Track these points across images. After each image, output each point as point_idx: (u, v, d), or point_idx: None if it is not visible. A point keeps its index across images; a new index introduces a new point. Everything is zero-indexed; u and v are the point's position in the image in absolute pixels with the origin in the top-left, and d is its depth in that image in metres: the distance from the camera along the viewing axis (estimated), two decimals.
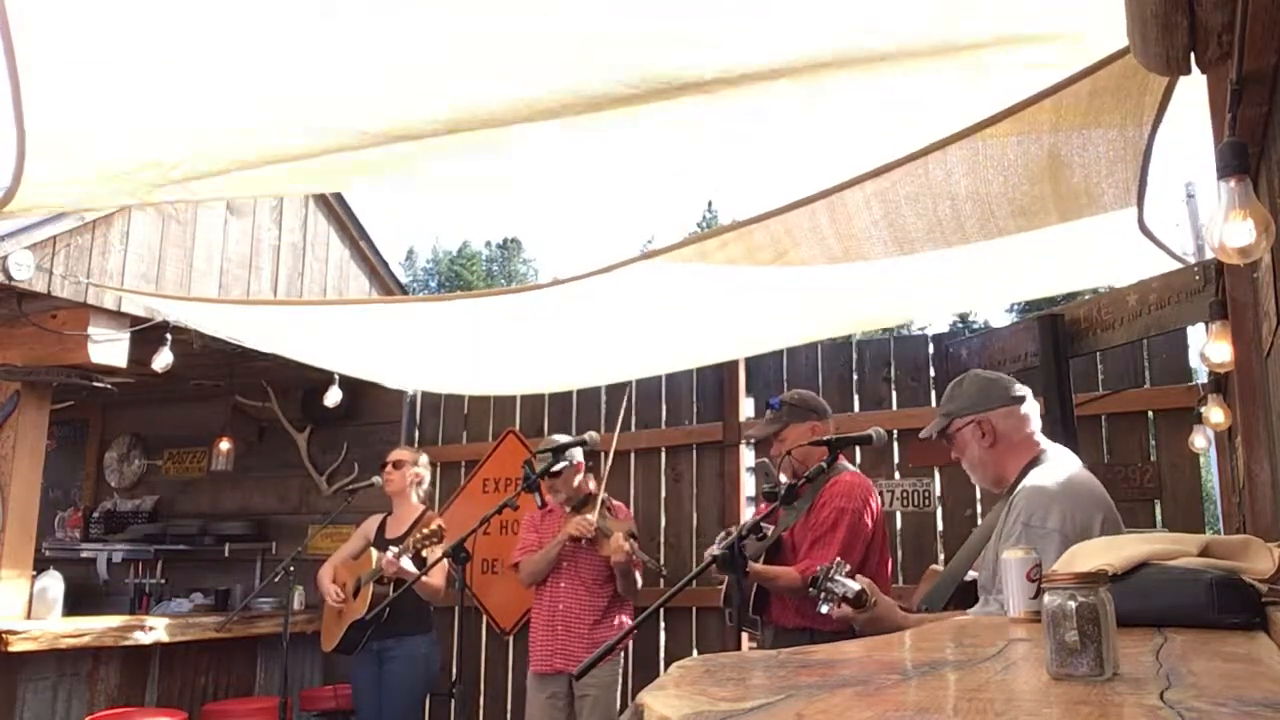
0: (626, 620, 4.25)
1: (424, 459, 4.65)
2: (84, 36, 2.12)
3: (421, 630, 4.32)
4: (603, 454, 4.52)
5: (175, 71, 2.27)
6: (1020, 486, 2.24)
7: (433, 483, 4.86)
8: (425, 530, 4.12)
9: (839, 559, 2.37)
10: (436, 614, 5.58)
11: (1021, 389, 2.41)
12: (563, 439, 4.01)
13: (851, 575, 2.30)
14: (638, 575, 4.18)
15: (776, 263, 3.27)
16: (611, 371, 5.13)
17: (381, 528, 4.52)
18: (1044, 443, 2.38)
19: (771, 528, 3.33)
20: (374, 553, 4.25)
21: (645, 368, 5.03)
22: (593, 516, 4.08)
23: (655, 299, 3.79)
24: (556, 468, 4.03)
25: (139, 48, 2.19)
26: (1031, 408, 2.40)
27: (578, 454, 4.19)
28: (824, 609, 2.28)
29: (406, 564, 4.12)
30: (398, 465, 4.48)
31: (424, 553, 4.14)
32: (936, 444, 2.54)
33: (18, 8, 1.98)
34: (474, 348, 4.63)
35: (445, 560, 3.93)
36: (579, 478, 4.25)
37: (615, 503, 4.37)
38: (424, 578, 3.94)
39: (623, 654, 4.42)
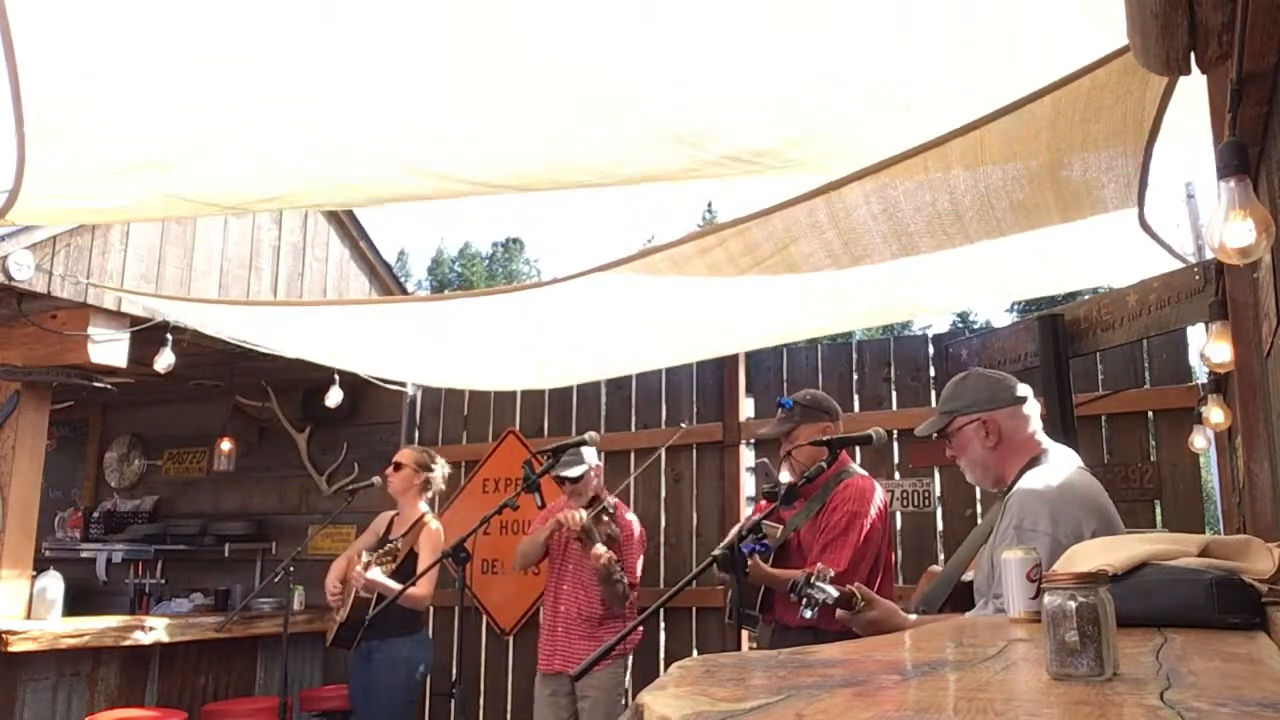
0: (628, 623, 4.24)
1: (437, 462, 4.53)
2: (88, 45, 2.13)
3: (406, 632, 4.27)
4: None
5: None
6: (1015, 488, 2.22)
7: None
8: (384, 548, 4.14)
9: (821, 566, 2.38)
10: (437, 614, 5.61)
11: (1024, 389, 2.40)
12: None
13: (836, 582, 2.31)
14: (625, 591, 4.14)
15: (776, 256, 3.27)
16: (612, 366, 5.12)
17: (390, 525, 4.51)
18: (1045, 442, 2.35)
19: (778, 527, 3.33)
20: (362, 557, 4.22)
21: (645, 362, 5.00)
22: (583, 514, 4.07)
23: (654, 294, 3.79)
24: (576, 471, 4.07)
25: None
26: (1033, 408, 2.38)
27: (592, 455, 4.20)
28: (807, 614, 2.32)
29: (376, 574, 4.05)
30: (397, 467, 4.46)
31: (375, 569, 4.07)
32: (936, 444, 2.52)
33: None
34: (475, 344, 4.62)
35: (429, 572, 3.93)
36: (596, 481, 4.30)
37: (625, 517, 4.33)
38: (406, 590, 3.83)
39: (628, 659, 4.36)
